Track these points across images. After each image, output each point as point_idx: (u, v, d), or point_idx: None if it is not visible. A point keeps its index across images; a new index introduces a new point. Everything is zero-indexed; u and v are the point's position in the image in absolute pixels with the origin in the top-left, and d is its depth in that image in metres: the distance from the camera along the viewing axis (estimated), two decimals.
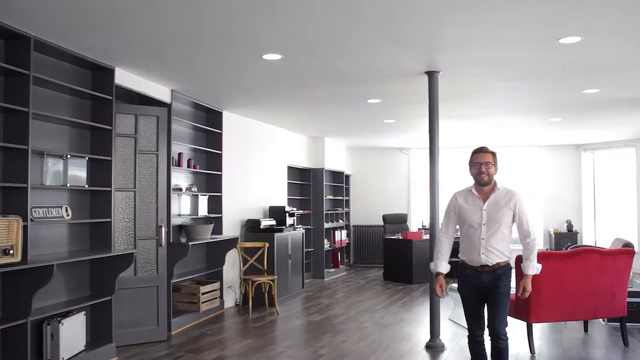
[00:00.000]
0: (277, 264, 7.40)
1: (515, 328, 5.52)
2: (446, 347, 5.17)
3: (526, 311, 4.87)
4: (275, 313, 6.80)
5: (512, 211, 3.46)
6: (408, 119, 8.08)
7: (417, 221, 11.68)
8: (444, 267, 3.64)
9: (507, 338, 3.52)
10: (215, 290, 6.50)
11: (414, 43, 4.29)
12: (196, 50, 4.50)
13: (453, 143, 10.64)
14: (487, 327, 3.55)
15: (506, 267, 3.49)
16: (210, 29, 3.95)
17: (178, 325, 5.82)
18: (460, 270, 3.62)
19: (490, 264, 3.44)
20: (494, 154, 3.52)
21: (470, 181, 3.67)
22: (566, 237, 10.80)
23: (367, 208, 11.94)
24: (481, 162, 3.48)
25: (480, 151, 3.53)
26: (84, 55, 4.49)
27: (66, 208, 4.46)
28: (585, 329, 5.70)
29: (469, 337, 3.66)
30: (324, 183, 10.15)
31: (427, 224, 9.91)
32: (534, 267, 3.50)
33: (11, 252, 3.64)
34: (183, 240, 6.09)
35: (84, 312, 4.55)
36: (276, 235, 7.44)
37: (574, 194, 11.51)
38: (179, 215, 6.21)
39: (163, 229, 5.49)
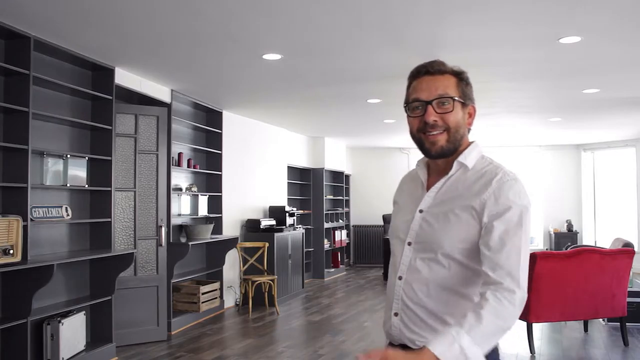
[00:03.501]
0: (277, 264, 7.40)
1: (515, 328, 5.53)
2: None
3: (526, 311, 4.87)
4: (275, 313, 6.80)
5: (478, 218, 1.39)
6: None
7: None
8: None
9: None
10: (215, 290, 6.50)
11: (414, 43, 4.29)
12: (196, 50, 4.50)
13: None
14: None
15: None
16: (210, 29, 3.94)
17: (178, 325, 5.82)
18: None
19: (413, 346, 1.43)
20: (458, 74, 1.49)
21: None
22: (566, 237, 10.81)
23: (367, 208, 11.94)
24: (426, 99, 1.45)
25: (426, 72, 1.48)
26: (84, 55, 4.49)
27: (66, 208, 4.46)
28: (585, 329, 5.70)
29: None
30: (324, 183, 10.14)
31: None
32: (475, 344, 1.24)
33: (11, 252, 3.64)
34: (183, 240, 6.09)
35: (84, 312, 4.55)
36: (276, 235, 7.44)
37: (574, 194, 11.51)
38: (179, 215, 6.21)
39: (163, 228, 5.49)
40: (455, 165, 1.48)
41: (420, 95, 1.46)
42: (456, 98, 1.45)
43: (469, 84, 1.51)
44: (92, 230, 4.83)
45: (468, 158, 1.48)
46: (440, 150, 1.46)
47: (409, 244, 1.48)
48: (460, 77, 1.49)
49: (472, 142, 1.53)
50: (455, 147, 1.47)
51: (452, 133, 1.45)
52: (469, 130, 1.54)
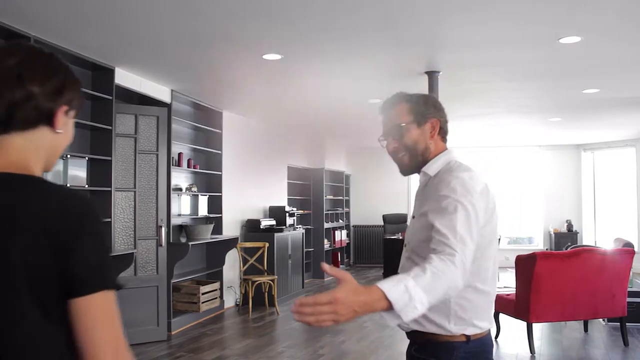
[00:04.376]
0: (277, 264, 7.40)
1: (515, 328, 5.53)
2: None
3: (526, 311, 4.87)
4: (275, 313, 6.80)
5: (427, 218, 1.55)
6: None
7: None
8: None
9: None
10: (215, 290, 6.50)
11: (414, 43, 4.29)
12: (196, 50, 4.50)
13: (453, 143, 10.47)
14: None
15: (442, 348, 1.62)
16: (210, 29, 3.94)
17: (178, 325, 5.82)
18: None
19: (414, 328, 1.70)
20: (409, 100, 1.69)
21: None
22: (566, 237, 10.80)
23: (367, 208, 11.94)
24: (384, 132, 1.73)
25: (384, 110, 1.74)
26: (84, 55, 4.49)
27: None
28: (585, 329, 5.70)
29: None
30: (324, 183, 10.14)
31: None
32: (420, 297, 1.32)
33: None
34: (183, 240, 6.09)
35: None
36: (276, 235, 7.44)
37: (574, 194, 11.51)
38: (179, 215, 6.21)
39: (163, 229, 5.49)
40: (420, 175, 1.71)
41: (383, 130, 1.72)
42: (403, 125, 1.66)
43: (420, 103, 1.68)
44: None
45: (431, 167, 1.67)
46: (407, 168, 1.72)
47: (405, 244, 1.73)
48: (412, 102, 1.68)
49: (444, 150, 1.70)
50: (420, 161, 1.69)
51: (411, 150, 1.68)
52: (443, 139, 1.72)
